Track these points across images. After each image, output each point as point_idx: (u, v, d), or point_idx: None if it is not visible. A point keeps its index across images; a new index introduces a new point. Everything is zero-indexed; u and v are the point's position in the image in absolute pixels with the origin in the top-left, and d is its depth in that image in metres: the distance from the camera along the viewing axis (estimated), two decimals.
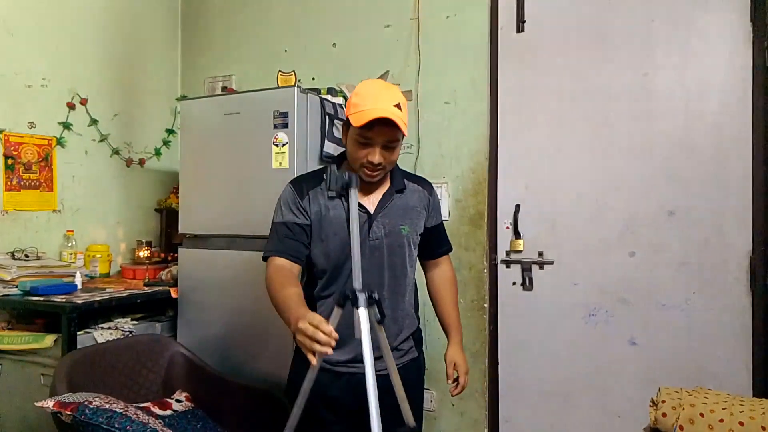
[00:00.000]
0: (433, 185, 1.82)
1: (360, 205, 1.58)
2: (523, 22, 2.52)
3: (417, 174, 1.78)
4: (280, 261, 1.58)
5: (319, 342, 1.19)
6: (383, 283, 1.62)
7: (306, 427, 1.50)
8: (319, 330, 1.20)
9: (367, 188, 1.63)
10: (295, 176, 1.77)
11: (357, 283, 1.29)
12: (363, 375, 1.31)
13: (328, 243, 1.59)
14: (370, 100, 1.48)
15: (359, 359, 1.37)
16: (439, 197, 2.63)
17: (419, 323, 1.78)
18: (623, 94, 2.36)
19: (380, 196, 1.64)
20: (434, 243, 1.80)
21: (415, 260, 1.73)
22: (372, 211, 1.61)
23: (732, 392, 1.63)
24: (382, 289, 1.61)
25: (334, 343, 1.21)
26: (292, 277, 1.55)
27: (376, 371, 1.32)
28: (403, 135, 1.55)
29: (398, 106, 1.49)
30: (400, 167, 1.74)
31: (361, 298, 1.26)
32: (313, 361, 1.22)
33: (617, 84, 2.37)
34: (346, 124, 1.57)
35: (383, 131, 1.49)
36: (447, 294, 1.85)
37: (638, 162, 2.33)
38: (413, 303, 1.75)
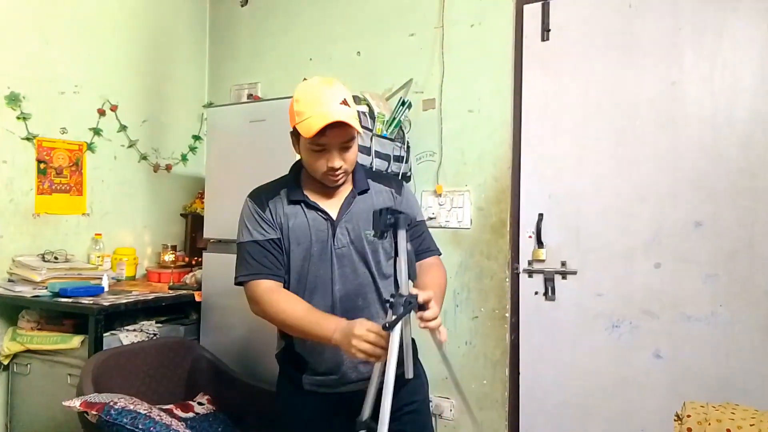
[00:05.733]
0: (405, 185, 1.67)
1: (321, 210, 1.52)
2: (548, 30, 2.51)
3: (389, 174, 1.67)
4: (267, 283, 1.48)
5: (382, 347, 1.26)
6: (359, 292, 1.52)
7: None
8: (381, 336, 1.27)
9: (328, 192, 1.54)
10: (252, 189, 1.62)
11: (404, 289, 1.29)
12: (337, 395, 1.48)
13: (291, 255, 1.52)
14: (315, 105, 1.40)
15: (343, 381, 1.51)
16: (461, 205, 2.63)
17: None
18: (650, 102, 2.33)
19: (342, 199, 1.54)
20: (412, 242, 1.51)
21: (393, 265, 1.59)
22: (335, 217, 1.52)
23: (760, 408, 1.59)
24: (358, 299, 1.52)
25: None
26: (292, 294, 1.49)
27: (355, 389, 1.45)
28: (358, 132, 1.45)
29: (344, 102, 1.42)
30: (373, 170, 1.64)
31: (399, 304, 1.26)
32: (375, 361, 1.29)
33: (644, 92, 2.34)
34: (295, 134, 1.48)
35: (336, 134, 1.41)
36: (429, 275, 1.53)
37: (665, 171, 2.30)
38: None
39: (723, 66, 2.22)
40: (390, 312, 1.26)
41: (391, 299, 1.26)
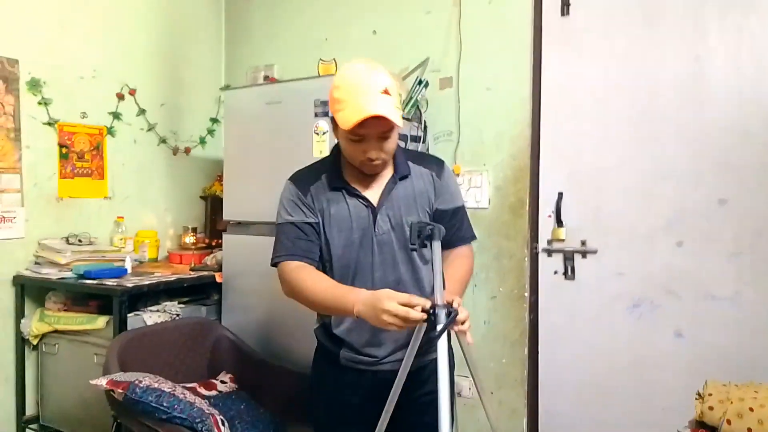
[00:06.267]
0: (446, 166, 1.62)
1: (362, 197, 1.50)
2: (568, 5, 2.46)
3: (431, 154, 1.65)
4: (296, 263, 1.48)
5: (413, 320, 1.25)
6: (400, 279, 1.51)
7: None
8: (411, 306, 1.25)
9: (368, 178, 1.52)
10: (294, 172, 1.61)
11: (439, 300, 1.27)
12: (371, 373, 1.47)
13: (332, 242, 1.51)
14: (354, 94, 1.35)
15: (379, 361, 1.51)
16: (479, 184, 2.62)
17: None
18: (673, 79, 2.27)
19: (383, 185, 1.52)
20: (449, 229, 1.48)
21: None
22: (375, 204, 1.50)
23: None
24: (399, 286, 1.49)
25: (425, 316, 1.25)
26: (319, 272, 1.49)
27: (390, 369, 1.45)
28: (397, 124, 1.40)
29: (386, 91, 1.36)
30: (413, 150, 1.61)
31: (441, 314, 1.24)
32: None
33: (667, 69, 2.28)
34: (334, 120, 1.44)
35: (375, 124, 1.35)
36: (454, 268, 1.53)
37: (688, 149, 2.25)
38: None
39: (750, 40, 2.15)
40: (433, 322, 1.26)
41: (432, 312, 1.26)
